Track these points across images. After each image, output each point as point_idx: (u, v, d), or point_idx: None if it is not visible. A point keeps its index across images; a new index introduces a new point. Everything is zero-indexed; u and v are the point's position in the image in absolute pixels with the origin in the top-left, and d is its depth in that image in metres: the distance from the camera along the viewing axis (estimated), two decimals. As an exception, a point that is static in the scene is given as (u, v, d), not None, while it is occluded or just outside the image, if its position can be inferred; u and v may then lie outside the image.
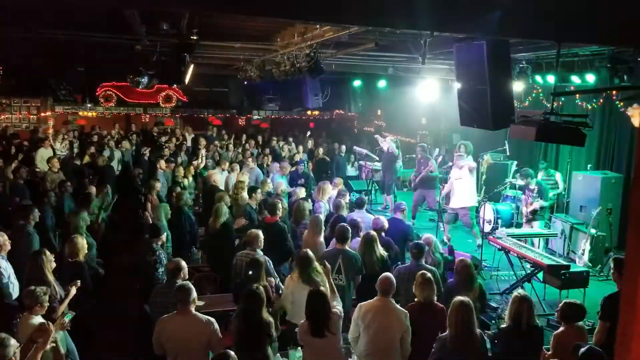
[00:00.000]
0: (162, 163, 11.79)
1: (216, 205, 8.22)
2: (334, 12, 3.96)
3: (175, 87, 18.35)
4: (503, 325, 5.33)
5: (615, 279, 5.84)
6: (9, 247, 6.33)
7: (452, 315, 4.78)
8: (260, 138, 17.95)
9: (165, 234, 7.34)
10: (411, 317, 5.18)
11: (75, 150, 15.16)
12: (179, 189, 9.72)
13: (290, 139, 17.65)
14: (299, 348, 5.28)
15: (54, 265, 5.90)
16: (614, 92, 9.80)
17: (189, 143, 16.32)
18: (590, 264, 9.38)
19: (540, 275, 8.33)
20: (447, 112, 13.12)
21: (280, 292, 6.30)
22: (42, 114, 18.28)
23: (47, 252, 5.90)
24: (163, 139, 16.68)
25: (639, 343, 1.62)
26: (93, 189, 9.42)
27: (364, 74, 15.02)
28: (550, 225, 10.81)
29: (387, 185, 13.32)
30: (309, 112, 20.62)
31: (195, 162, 12.74)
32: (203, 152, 13.71)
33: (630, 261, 1.71)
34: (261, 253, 6.54)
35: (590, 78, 8.70)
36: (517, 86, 9.49)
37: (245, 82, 15.38)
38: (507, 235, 9.11)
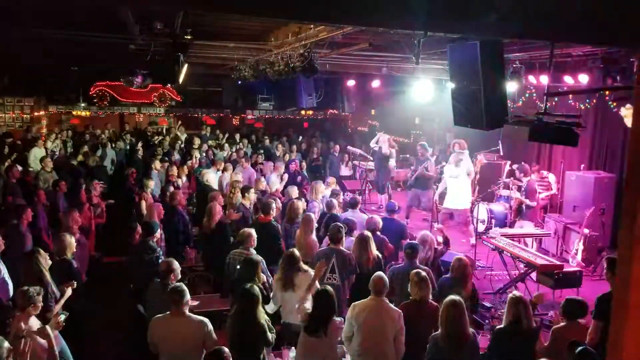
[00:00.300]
0: (156, 163, 11.77)
1: (209, 204, 8.21)
2: (328, 12, 3.95)
3: (169, 86, 18.30)
4: (499, 325, 5.34)
5: (608, 279, 5.86)
6: (2, 247, 6.31)
7: (443, 314, 4.82)
8: (254, 137, 17.95)
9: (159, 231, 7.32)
10: (405, 316, 5.20)
11: (69, 149, 15.11)
12: (172, 189, 9.70)
13: (284, 139, 17.64)
14: (293, 348, 5.29)
15: (49, 263, 5.88)
16: (607, 92, 9.83)
17: (182, 142, 16.29)
18: (583, 264, 9.42)
19: (533, 275, 8.36)
20: (440, 112, 13.14)
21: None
22: (36, 113, 18.19)
23: (42, 251, 5.87)
24: (157, 138, 16.65)
25: (631, 342, 1.63)
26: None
27: (358, 74, 15.01)
28: (542, 224, 10.87)
29: (380, 185, 13.33)
30: (302, 112, 20.60)
31: (189, 162, 12.72)
32: (197, 152, 13.70)
33: (622, 261, 1.72)
34: (254, 252, 6.54)
35: (583, 78, 8.74)
36: (511, 86, 9.50)
37: (239, 82, 15.37)
38: (501, 235, 9.14)
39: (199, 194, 10.96)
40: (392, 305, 5.33)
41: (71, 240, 6.46)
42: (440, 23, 4.35)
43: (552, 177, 11.40)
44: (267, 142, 16.93)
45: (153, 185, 10.13)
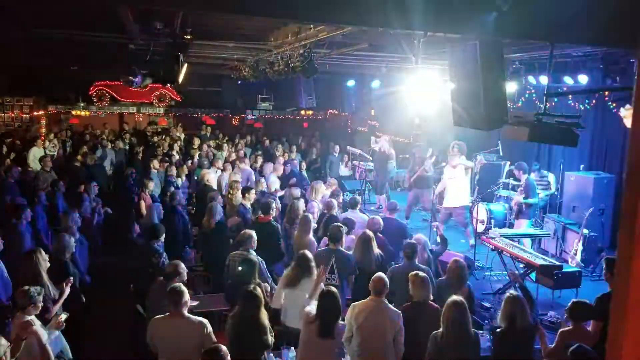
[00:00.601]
0: (156, 162, 11.76)
1: (210, 204, 8.21)
2: (328, 12, 3.96)
3: (168, 86, 18.28)
4: (497, 327, 5.34)
5: (607, 279, 5.86)
6: (1, 247, 6.30)
7: (445, 313, 4.84)
8: (254, 137, 17.93)
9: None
10: (405, 317, 5.20)
11: (69, 149, 15.11)
12: (172, 189, 9.70)
13: (284, 139, 17.63)
14: (292, 348, 5.28)
15: (48, 264, 5.87)
16: (607, 92, 9.84)
17: (181, 142, 16.27)
18: (582, 264, 9.42)
19: (533, 275, 8.35)
20: (440, 113, 13.10)
21: (273, 291, 6.29)
22: (35, 113, 18.20)
23: (42, 252, 5.85)
24: (156, 138, 16.64)
25: (630, 342, 1.62)
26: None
27: (358, 74, 15.01)
28: (542, 224, 10.85)
29: (380, 185, 13.32)
30: (302, 112, 20.61)
31: (189, 163, 12.71)
32: (196, 152, 13.69)
33: (621, 261, 1.71)
34: (254, 253, 6.53)
35: (583, 79, 8.74)
36: (510, 87, 9.52)
37: (239, 82, 15.37)
38: (500, 236, 9.13)
39: (198, 194, 10.96)
40: (391, 306, 5.32)
41: (70, 241, 6.46)
42: (440, 23, 4.35)
43: (551, 177, 11.39)
44: (267, 142, 16.92)
45: (153, 185, 10.12)
